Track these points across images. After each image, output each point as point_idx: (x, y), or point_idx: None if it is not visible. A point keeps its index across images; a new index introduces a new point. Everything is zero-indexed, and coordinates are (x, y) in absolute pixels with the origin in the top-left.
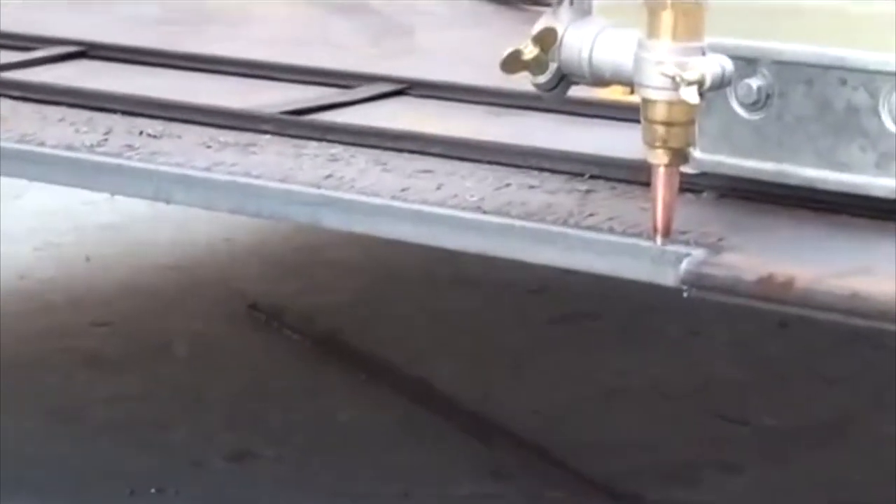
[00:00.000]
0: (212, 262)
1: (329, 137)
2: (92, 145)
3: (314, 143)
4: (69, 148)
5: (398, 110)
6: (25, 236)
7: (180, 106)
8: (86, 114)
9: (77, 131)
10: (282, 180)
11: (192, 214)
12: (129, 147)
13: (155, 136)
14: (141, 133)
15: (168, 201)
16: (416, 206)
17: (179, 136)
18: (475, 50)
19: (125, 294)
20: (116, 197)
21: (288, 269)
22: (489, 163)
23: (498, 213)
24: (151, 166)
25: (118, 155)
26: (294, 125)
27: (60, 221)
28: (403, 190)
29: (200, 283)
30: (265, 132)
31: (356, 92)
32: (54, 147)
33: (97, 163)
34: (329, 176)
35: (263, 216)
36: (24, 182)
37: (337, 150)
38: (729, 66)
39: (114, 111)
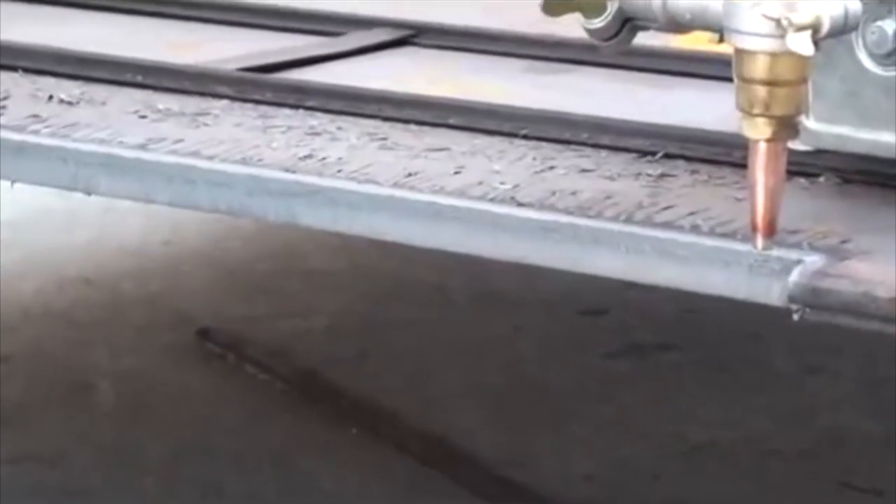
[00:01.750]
0: (146, 275)
1: (307, 103)
2: None
3: (287, 112)
4: None
5: (401, 66)
6: None
7: (105, 61)
8: None
9: None
10: (243, 162)
11: (119, 210)
12: (35, 118)
13: (70, 103)
14: (51, 98)
15: (88, 192)
16: (425, 198)
17: (103, 103)
18: None
19: (28, 319)
20: (17, 186)
21: (252, 283)
22: (526, 137)
23: (538, 205)
24: (65, 143)
25: (19, 129)
26: (260, 86)
27: None
28: (409, 175)
29: (131, 302)
30: (220, 96)
31: (344, 41)
32: None
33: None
34: (307, 157)
35: (218, 211)
36: None
37: (318, 120)
38: (854, 4)
39: (12, 68)
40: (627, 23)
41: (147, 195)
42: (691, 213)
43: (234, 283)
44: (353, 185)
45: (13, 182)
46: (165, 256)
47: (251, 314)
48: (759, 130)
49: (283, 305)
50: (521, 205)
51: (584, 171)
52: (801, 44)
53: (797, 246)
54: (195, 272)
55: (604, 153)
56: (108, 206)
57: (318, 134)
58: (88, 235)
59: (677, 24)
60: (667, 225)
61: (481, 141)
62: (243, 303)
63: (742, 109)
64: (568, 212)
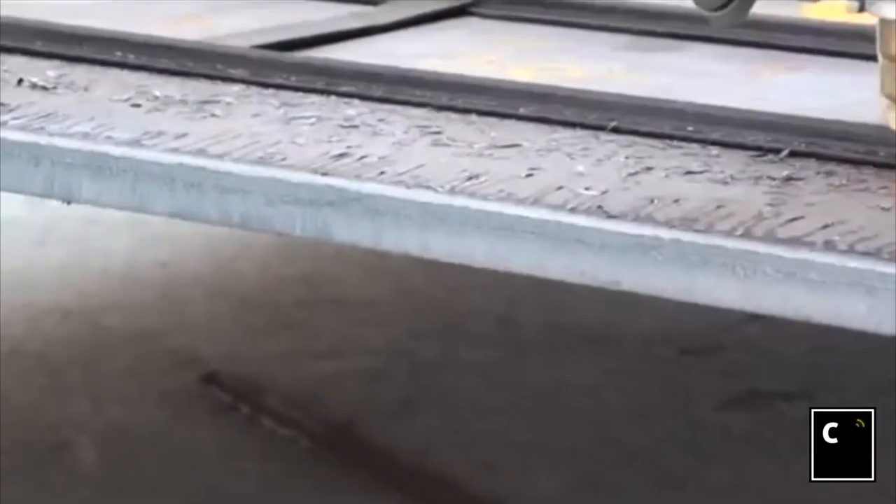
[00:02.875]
0: (138, 305)
1: (341, 89)
2: None
3: (316, 99)
4: None
5: (458, 41)
6: None
7: (88, 36)
8: None
9: None
10: (261, 162)
11: (105, 222)
12: (1, 106)
13: (45, 88)
14: (20, 82)
15: (67, 199)
16: (490, 207)
17: (86, 88)
18: None
19: None
20: None
21: (270, 314)
22: (616, 131)
23: (632, 217)
24: (38, 139)
25: None
26: (281, 67)
27: None
28: (471, 178)
29: (118, 339)
30: (232, 80)
31: (385, 11)
32: None
33: None
34: (342, 155)
35: (230, 223)
36: None
37: (356, 109)
38: None
39: None
40: None
41: (141, 204)
42: (825, 227)
43: (248, 315)
44: (399, 192)
45: None
46: (162, 281)
47: (269, 353)
48: None
49: (310, 343)
50: (610, 216)
51: (689, 173)
52: None
53: None
54: (199, 301)
55: (714, 151)
56: (90, 217)
57: (355, 127)
58: (66, 255)
59: None
60: (794, 241)
61: (560, 135)
62: (260, 340)
63: (888, 96)
64: (670, 225)
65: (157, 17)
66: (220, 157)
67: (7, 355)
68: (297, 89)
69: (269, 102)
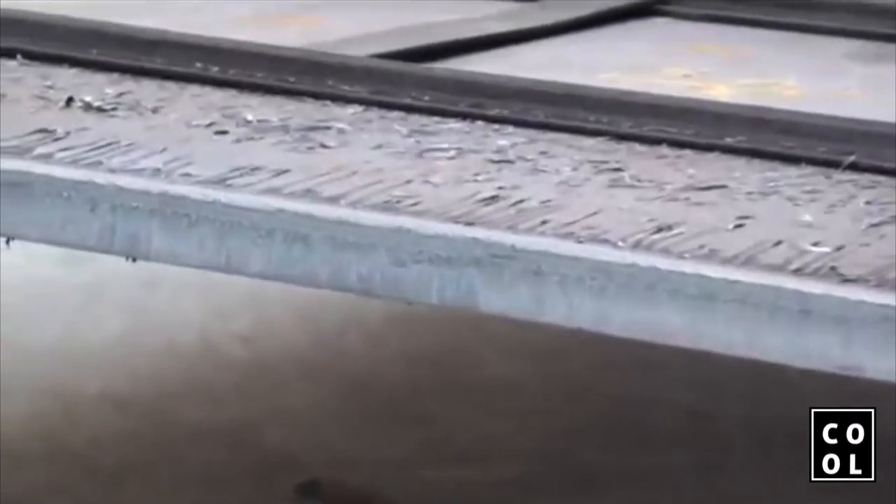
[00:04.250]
0: (213, 392)
1: (489, 112)
2: None
3: (456, 125)
4: None
5: (643, 48)
6: None
7: (158, 41)
8: None
9: None
10: (386, 208)
11: (168, 285)
12: (44, 135)
13: (102, 110)
14: (70, 103)
15: (129, 255)
16: (687, 267)
17: (155, 110)
18: None
19: (20, 463)
20: (13, 246)
21: (385, 404)
22: (855, 168)
23: (877, 282)
24: (94, 177)
25: (17, 152)
26: (411, 83)
27: None
28: (660, 230)
29: (187, 436)
30: (347, 99)
31: (545, 9)
32: None
33: None
34: (492, 199)
35: (345, 287)
36: None
37: (509, 138)
38: None
39: (7, 53)
40: None
41: (228, 262)
42: None
43: (357, 405)
44: (567, 247)
45: (8, 239)
46: (245, 360)
47: (384, 456)
48: None
49: (437, 443)
50: (847, 280)
51: None
52: None
53: None
54: (293, 386)
55: None
56: (149, 277)
57: (508, 161)
58: (118, 327)
59: None
60: None
61: (779, 173)
62: (372, 437)
63: None
64: None
65: (239, 17)
66: (332, 200)
67: (41, 458)
68: (431, 112)
69: (395, 129)
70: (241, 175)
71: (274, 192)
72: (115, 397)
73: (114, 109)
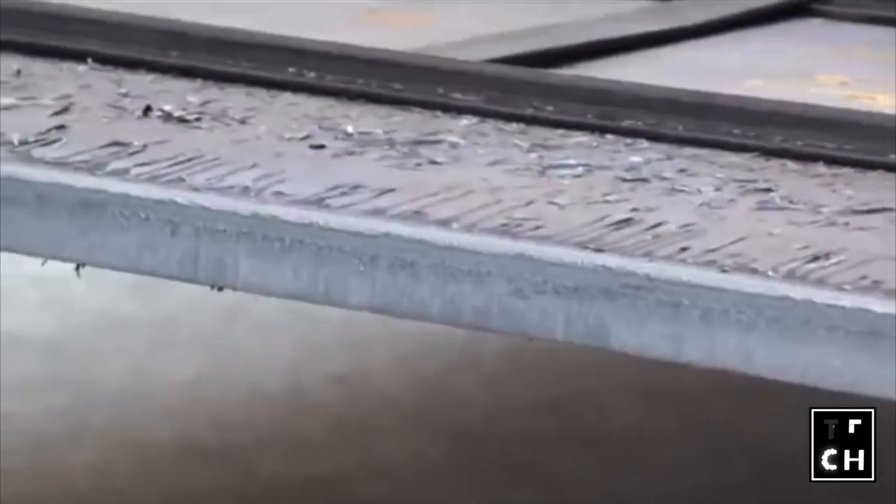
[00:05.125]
0: (306, 438)
1: (622, 124)
2: (26, 141)
3: (584, 139)
4: None
5: (796, 52)
6: None
7: (248, 44)
8: (12, 61)
9: None
10: (504, 232)
11: (252, 319)
12: (118, 148)
13: (185, 120)
14: (148, 112)
15: (215, 283)
16: (847, 301)
17: (244, 121)
18: None
19: None
20: (85, 274)
21: (500, 457)
22: None
23: None
24: (176, 195)
25: (89, 168)
26: (532, 92)
27: None
28: (817, 259)
29: (278, 488)
30: (460, 109)
31: (683, 8)
32: None
33: (40, 185)
34: (625, 222)
35: (458, 322)
36: None
37: (644, 154)
38: None
39: (78, 55)
40: None
41: (326, 292)
42: None
43: (465, 460)
44: (710, 277)
45: (78, 266)
46: (339, 404)
47: None
48: None
49: (557, 502)
50: None
51: None
52: None
53: None
54: (394, 434)
55: None
56: (232, 310)
57: (642, 180)
58: (197, 366)
59: None
60: None
61: None
62: (482, 497)
63: None
64: None
65: (336, 15)
66: (443, 223)
67: None
68: (556, 124)
69: (514, 143)
70: (340, 194)
71: (377, 213)
72: (193, 446)
73: (197, 120)
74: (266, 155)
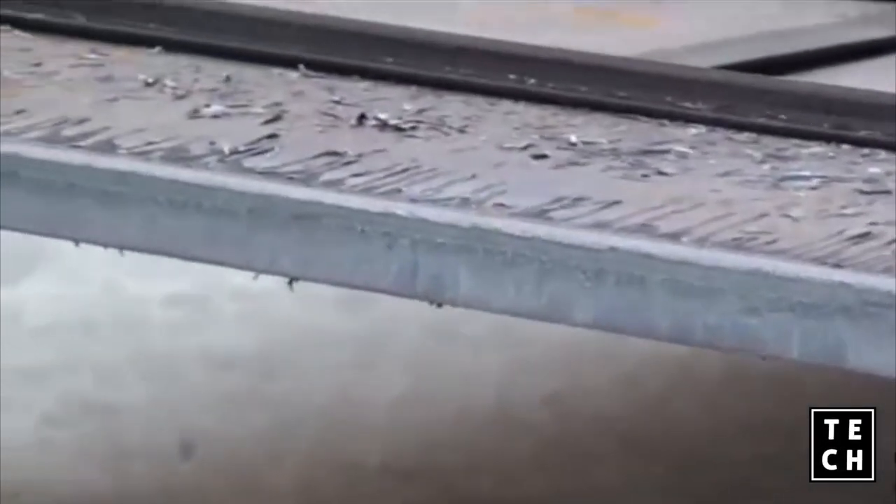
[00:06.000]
0: (514, 464)
1: (860, 134)
2: (237, 150)
3: (820, 149)
4: (50, 141)
5: None
6: None
7: (464, 49)
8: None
9: (73, 88)
10: (737, 247)
11: (464, 335)
12: (333, 157)
13: (401, 129)
14: (363, 120)
15: (434, 299)
16: None
17: (463, 130)
18: None
19: None
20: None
21: (725, 481)
22: None
23: None
24: (393, 207)
25: (302, 178)
26: (765, 100)
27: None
28: None
29: None
30: (689, 118)
31: None
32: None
33: (252, 196)
34: (863, 237)
35: (688, 340)
36: None
37: (882, 166)
38: None
39: (287, 62)
40: None
41: (550, 307)
42: None
43: (686, 487)
44: None
45: (291, 280)
46: (550, 430)
47: None
48: None
49: None
50: None
51: None
52: None
53: None
54: (607, 461)
55: None
56: (442, 327)
57: (882, 192)
58: (407, 385)
59: None
60: None
61: None
62: None
63: None
64: None
65: (550, 15)
66: (672, 237)
67: None
68: (789, 133)
69: (745, 153)
70: (563, 206)
71: (603, 226)
72: (400, 469)
73: (413, 129)
74: (486, 165)
